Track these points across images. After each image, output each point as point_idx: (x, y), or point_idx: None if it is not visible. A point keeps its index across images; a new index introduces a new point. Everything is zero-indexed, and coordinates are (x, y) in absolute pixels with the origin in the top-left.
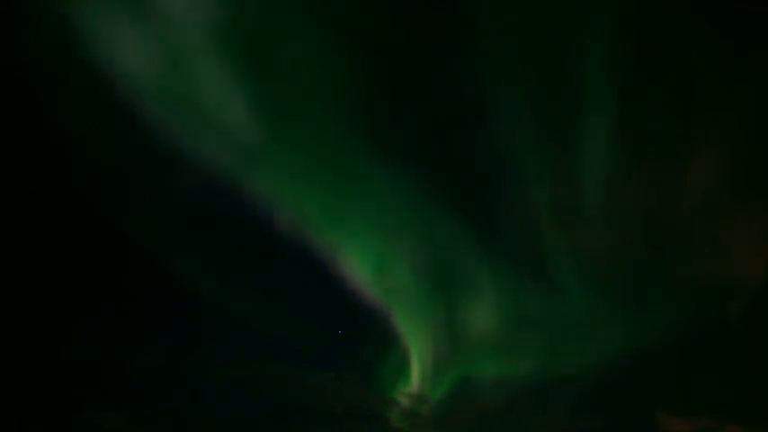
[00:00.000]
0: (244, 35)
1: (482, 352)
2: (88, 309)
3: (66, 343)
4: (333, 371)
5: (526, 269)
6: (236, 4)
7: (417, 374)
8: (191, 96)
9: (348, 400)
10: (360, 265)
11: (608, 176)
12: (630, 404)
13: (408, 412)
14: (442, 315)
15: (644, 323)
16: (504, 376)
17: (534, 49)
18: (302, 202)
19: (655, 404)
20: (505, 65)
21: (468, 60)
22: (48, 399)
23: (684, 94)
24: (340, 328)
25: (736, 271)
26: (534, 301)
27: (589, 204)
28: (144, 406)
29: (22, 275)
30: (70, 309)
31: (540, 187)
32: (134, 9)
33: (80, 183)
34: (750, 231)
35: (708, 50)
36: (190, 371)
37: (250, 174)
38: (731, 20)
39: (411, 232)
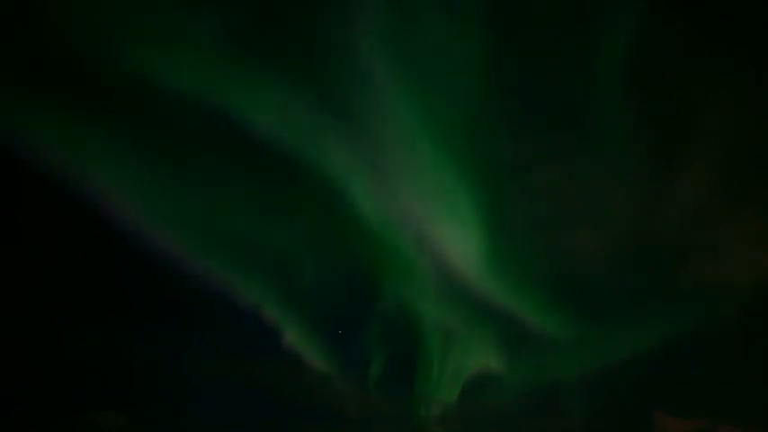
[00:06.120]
0: None
1: (482, 354)
2: (88, 308)
3: (65, 343)
4: (333, 371)
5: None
6: None
7: (425, 373)
8: None
9: (351, 402)
10: None
11: (605, 179)
12: (626, 404)
13: (415, 415)
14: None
15: (641, 325)
16: (504, 377)
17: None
18: None
19: (651, 404)
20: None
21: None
22: (48, 399)
23: (682, 96)
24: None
25: (732, 273)
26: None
27: (586, 208)
28: (144, 406)
29: (22, 275)
30: (69, 309)
31: (539, 192)
32: None
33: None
34: (746, 234)
35: (707, 52)
36: (190, 371)
37: None
38: (732, 22)
39: None
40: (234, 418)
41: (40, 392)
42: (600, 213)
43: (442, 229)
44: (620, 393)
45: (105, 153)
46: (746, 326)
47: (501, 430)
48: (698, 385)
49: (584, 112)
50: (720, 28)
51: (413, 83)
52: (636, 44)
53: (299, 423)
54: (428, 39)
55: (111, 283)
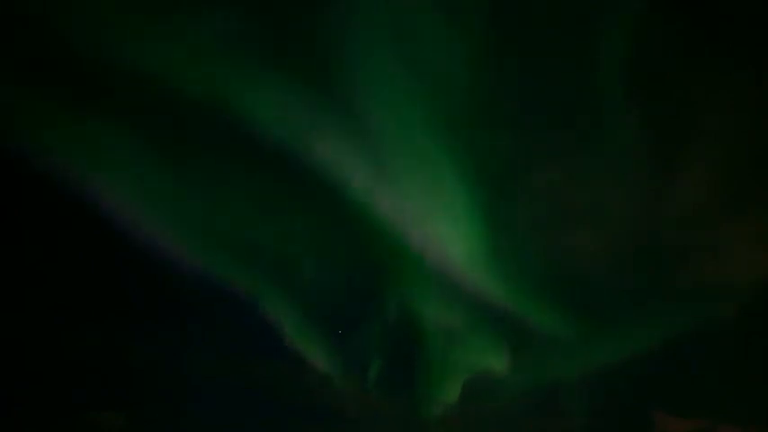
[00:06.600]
0: None
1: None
2: (88, 308)
3: (65, 343)
4: (334, 371)
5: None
6: None
7: (425, 373)
8: None
9: (351, 402)
10: None
11: (605, 179)
12: (626, 404)
13: (415, 415)
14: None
15: (641, 325)
16: (504, 377)
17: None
18: None
19: (651, 404)
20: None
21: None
22: (48, 399)
23: (682, 96)
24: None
25: (732, 273)
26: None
27: (586, 208)
28: (144, 406)
29: (22, 275)
30: (69, 309)
31: (539, 192)
32: None
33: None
34: (746, 234)
35: (708, 52)
36: (190, 371)
37: None
38: (732, 22)
39: None
40: (234, 418)
41: (40, 392)
42: (600, 213)
43: (442, 228)
44: (620, 393)
45: (105, 153)
46: (746, 326)
47: (501, 430)
48: (698, 385)
49: (584, 112)
50: (720, 28)
51: (413, 83)
52: (636, 44)
53: (299, 423)
54: (428, 39)
55: (111, 283)
